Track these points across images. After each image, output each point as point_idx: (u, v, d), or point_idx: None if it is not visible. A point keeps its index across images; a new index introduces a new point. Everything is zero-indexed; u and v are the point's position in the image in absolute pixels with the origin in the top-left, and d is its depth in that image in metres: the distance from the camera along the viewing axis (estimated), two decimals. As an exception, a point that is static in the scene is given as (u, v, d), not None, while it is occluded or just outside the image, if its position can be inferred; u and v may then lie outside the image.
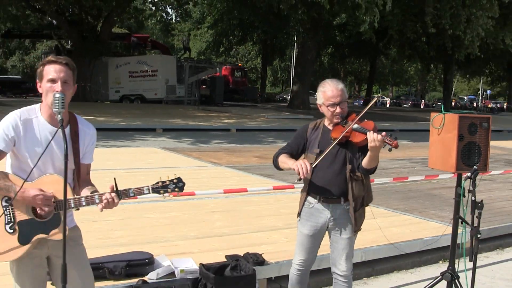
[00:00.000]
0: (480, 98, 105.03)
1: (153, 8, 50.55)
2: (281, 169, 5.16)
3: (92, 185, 3.96)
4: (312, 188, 5.10)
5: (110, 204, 3.73)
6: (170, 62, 43.71)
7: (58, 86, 3.68)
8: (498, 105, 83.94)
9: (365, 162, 4.79)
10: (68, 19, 40.42)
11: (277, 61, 74.65)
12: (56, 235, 3.73)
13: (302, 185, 5.26)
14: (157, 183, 3.88)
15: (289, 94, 52.01)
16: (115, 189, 3.77)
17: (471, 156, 5.36)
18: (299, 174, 4.69)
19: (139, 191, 3.83)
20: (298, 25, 39.26)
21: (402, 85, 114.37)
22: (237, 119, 30.30)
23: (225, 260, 6.25)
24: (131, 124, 24.15)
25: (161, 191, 3.87)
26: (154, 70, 41.54)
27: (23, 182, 3.58)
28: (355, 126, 4.81)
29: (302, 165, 4.68)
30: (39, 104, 3.84)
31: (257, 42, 61.62)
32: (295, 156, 5.13)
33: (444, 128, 5.37)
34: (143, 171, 12.06)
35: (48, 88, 3.69)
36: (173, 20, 50.83)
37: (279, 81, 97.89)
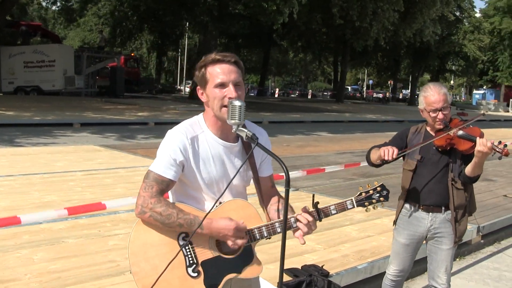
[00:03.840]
0: (365, 88, 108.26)
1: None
2: (373, 164, 4.82)
3: (280, 197, 3.29)
4: (411, 195, 4.84)
5: (309, 229, 3.08)
6: (68, 52, 41.93)
7: (231, 91, 2.98)
8: (381, 95, 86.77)
9: (468, 170, 4.55)
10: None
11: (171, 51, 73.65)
12: (249, 272, 3.09)
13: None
14: (361, 194, 3.30)
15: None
16: (314, 208, 3.14)
17: None
18: (384, 157, 4.44)
19: (342, 207, 3.23)
20: (204, 14, 38.63)
21: (284, 75, 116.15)
22: (150, 112, 29.45)
23: (285, 275, 5.71)
24: (46, 119, 22.79)
25: (366, 203, 3.28)
26: (52, 60, 39.58)
27: (209, 211, 2.93)
28: (460, 133, 4.55)
29: (389, 149, 4.44)
30: (201, 115, 3.16)
31: (153, 32, 60.36)
32: None
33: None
34: (104, 173, 11.17)
35: (218, 94, 2.99)
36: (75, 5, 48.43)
37: (166, 71, 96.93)
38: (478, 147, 4.30)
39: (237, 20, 43.19)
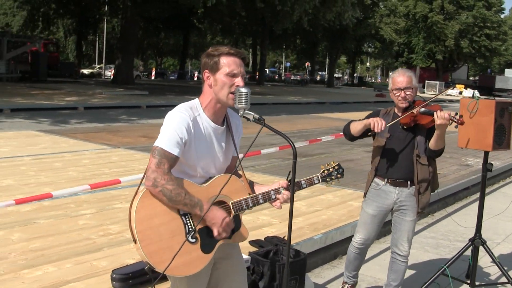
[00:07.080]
0: (283, 71, 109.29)
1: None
2: (354, 137, 5.30)
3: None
4: (380, 170, 5.35)
5: (287, 200, 3.60)
6: (-13, 36, 41.01)
7: (240, 81, 3.45)
8: (299, 77, 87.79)
9: (432, 143, 5.06)
10: None
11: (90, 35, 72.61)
12: (238, 238, 3.62)
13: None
14: (323, 171, 3.88)
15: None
16: (289, 182, 3.64)
17: (501, 136, 5.74)
18: (373, 128, 4.89)
19: (310, 182, 3.80)
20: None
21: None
22: (78, 97, 29.33)
23: (249, 246, 6.25)
24: (-27, 104, 22.60)
25: (327, 179, 3.88)
26: (-29, 44, 38.73)
27: (212, 204, 3.37)
28: (422, 109, 5.09)
29: (378, 121, 4.88)
30: (196, 99, 3.57)
31: (73, 16, 59.40)
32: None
33: (479, 112, 5.67)
34: (51, 157, 11.42)
35: (227, 81, 3.43)
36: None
37: (83, 55, 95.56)
38: (438, 121, 4.84)
39: (157, 3, 43.00)
